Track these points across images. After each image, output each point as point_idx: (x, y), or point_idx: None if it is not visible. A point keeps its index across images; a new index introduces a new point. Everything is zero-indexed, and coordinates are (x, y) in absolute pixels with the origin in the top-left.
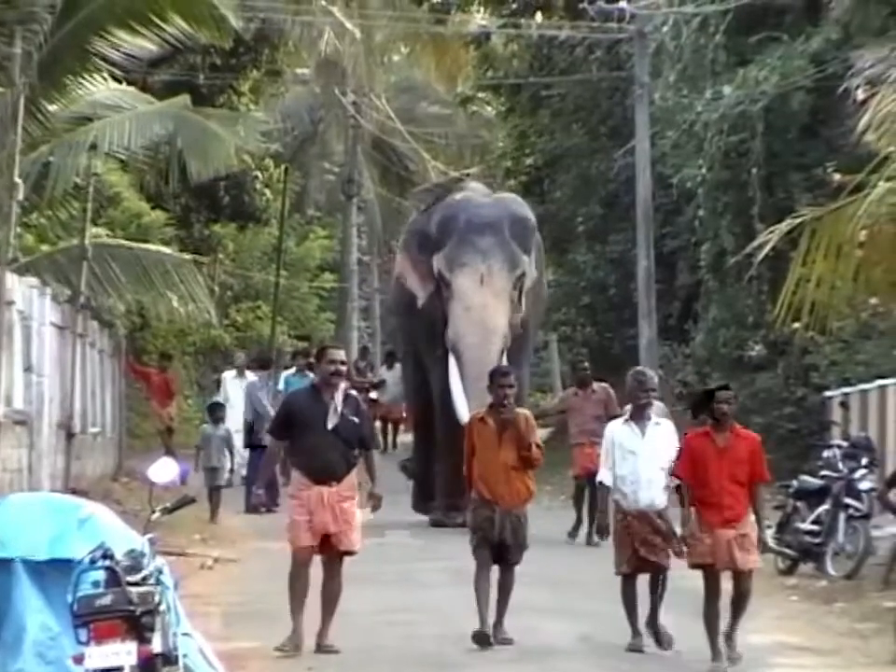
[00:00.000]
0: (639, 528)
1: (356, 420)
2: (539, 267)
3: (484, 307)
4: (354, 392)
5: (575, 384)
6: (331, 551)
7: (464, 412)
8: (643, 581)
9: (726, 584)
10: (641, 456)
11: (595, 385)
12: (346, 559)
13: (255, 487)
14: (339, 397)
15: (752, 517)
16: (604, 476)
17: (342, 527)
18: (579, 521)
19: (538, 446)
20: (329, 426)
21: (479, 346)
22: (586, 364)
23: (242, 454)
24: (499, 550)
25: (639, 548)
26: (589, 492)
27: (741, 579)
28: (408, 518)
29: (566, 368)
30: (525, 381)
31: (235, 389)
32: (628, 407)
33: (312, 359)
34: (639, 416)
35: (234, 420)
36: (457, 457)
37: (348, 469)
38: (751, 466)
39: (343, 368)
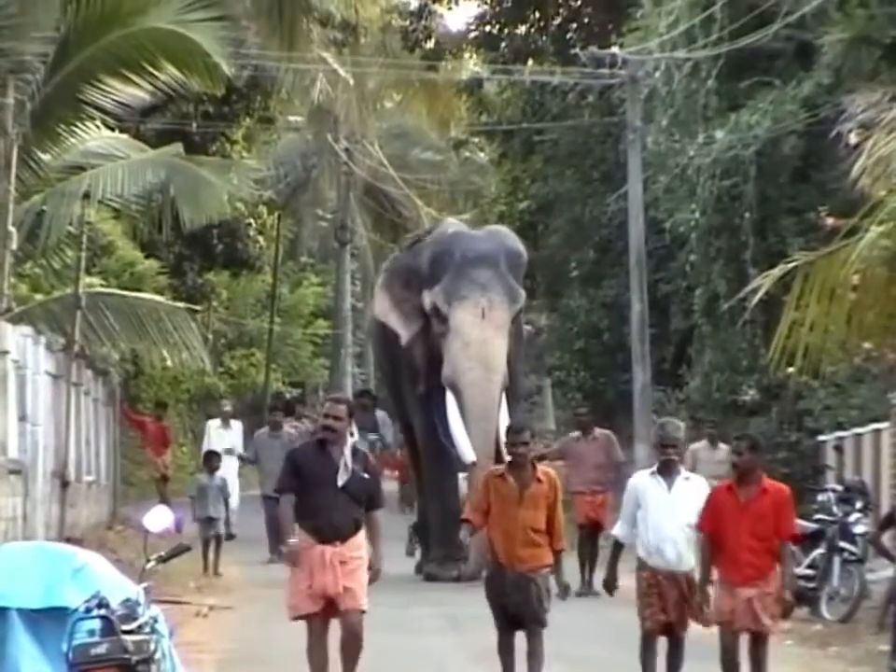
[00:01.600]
0: (667, 590)
1: (365, 476)
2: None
3: (485, 342)
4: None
5: (576, 429)
6: (341, 611)
7: (468, 452)
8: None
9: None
10: (667, 512)
11: (597, 432)
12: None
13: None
14: (348, 452)
15: (778, 577)
16: (619, 531)
17: (341, 588)
18: (585, 573)
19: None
20: (340, 482)
21: (479, 384)
22: (587, 409)
23: (235, 505)
24: (517, 618)
25: (664, 611)
26: (590, 542)
27: (757, 641)
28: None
29: (559, 412)
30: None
31: (219, 439)
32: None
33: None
34: (667, 470)
35: (224, 469)
36: (449, 504)
37: (356, 529)
38: (777, 521)
39: (337, 424)
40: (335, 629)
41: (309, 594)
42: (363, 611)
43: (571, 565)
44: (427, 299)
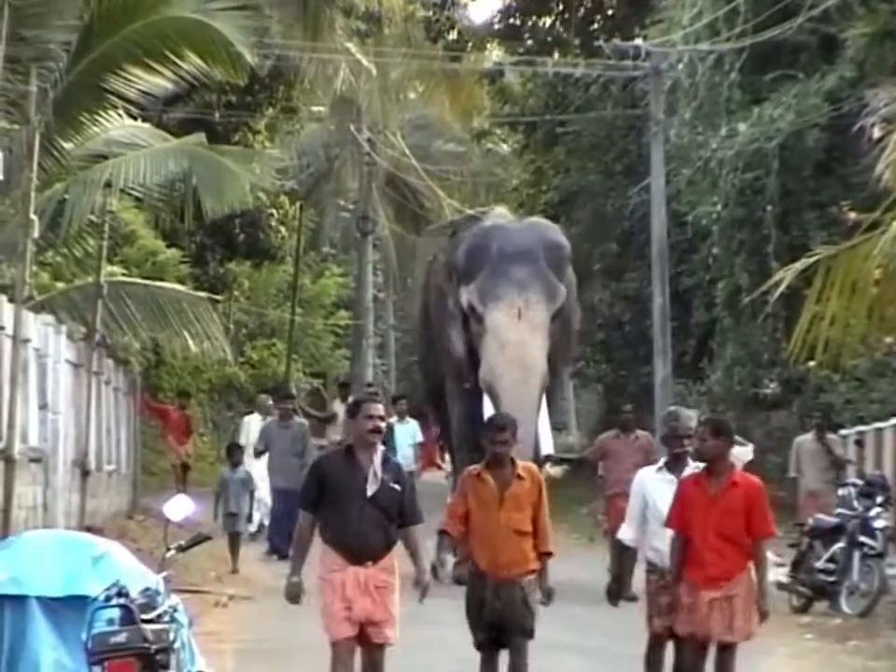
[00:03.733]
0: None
1: (397, 488)
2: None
3: (522, 344)
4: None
5: (617, 427)
6: (368, 642)
7: None
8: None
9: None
10: None
11: (639, 432)
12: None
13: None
14: (377, 460)
15: (751, 577)
16: (626, 534)
17: (381, 616)
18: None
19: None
20: (369, 492)
21: (517, 387)
22: (630, 407)
23: (266, 500)
24: (499, 631)
25: (673, 615)
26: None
27: (721, 655)
28: None
29: (580, 406)
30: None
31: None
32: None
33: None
34: (677, 464)
35: (258, 468)
36: None
37: (388, 547)
38: (749, 519)
39: (383, 424)
40: None
41: (347, 616)
42: (389, 644)
43: (588, 553)
44: (464, 296)
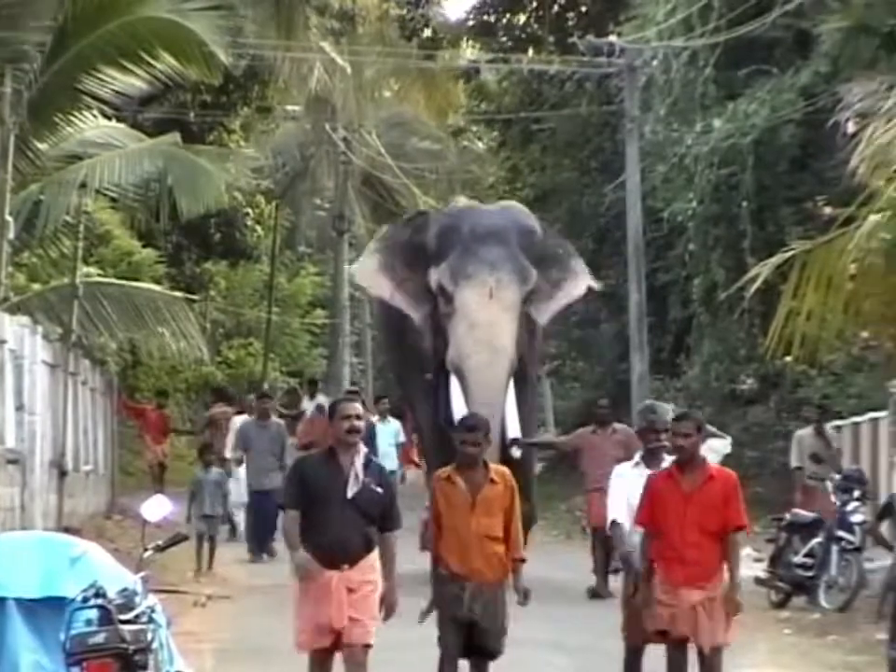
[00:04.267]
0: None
1: (378, 490)
2: (573, 285)
3: (491, 324)
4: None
5: (594, 422)
6: (347, 643)
7: None
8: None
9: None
10: None
11: (616, 425)
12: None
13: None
14: (359, 461)
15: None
16: (618, 513)
17: (346, 620)
18: (602, 577)
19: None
20: (349, 494)
21: (485, 368)
22: (607, 402)
23: (244, 502)
24: (471, 636)
25: (645, 612)
26: (602, 545)
27: (706, 659)
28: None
29: (558, 403)
30: (530, 414)
31: None
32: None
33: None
34: (652, 460)
35: (241, 470)
36: None
37: (366, 550)
38: (726, 512)
39: (360, 423)
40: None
41: (316, 626)
42: (369, 645)
43: (565, 550)
44: (434, 276)
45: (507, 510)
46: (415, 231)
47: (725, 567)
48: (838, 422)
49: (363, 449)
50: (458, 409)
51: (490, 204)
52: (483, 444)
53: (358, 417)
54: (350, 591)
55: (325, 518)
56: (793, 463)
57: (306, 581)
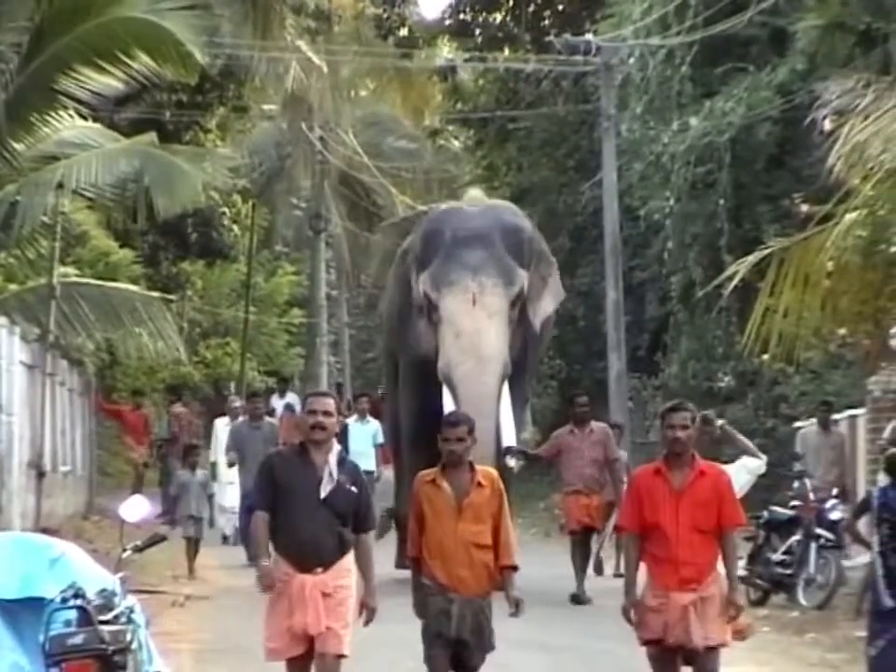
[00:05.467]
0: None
1: (353, 490)
2: (554, 289)
3: (477, 332)
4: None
5: (571, 421)
6: (319, 652)
7: None
8: None
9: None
10: None
11: (594, 425)
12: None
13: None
14: (333, 460)
15: (720, 575)
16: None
17: (325, 625)
18: (581, 580)
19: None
20: (322, 494)
21: (474, 378)
22: (585, 399)
23: (236, 508)
24: (456, 651)
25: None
26: (581, 549)
27: (700, 661)
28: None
29: (535, 401)
30: (521, 414)
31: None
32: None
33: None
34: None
35: (228, 473)
36: None
37: (341, 553)
38: (720, 509)
39: (328, 420)
40: None
41: (290, 634)
42: (343, 656)
43: (545, 549)
44: (420, 285)
45: (495, 515)
46: (412, 235)
47: (719, 565)
48: (812, 420)
49: (336, 447)
50: None
51: (475, 205)
52: (468, 441)
53: (326, 413)
54: (325, 595)
55: (297, 519)
56: (798, 465)
57: (273, 590)
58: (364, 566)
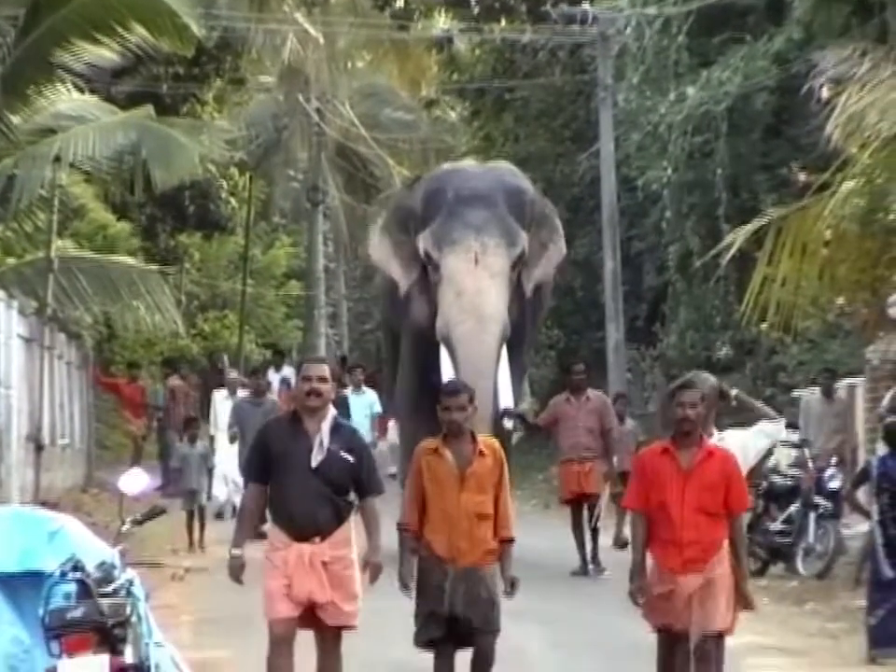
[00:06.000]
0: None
1: (348, 458)
2: (556, 248)
3: (479, 292)
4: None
5: (568, 389)
6: (321, 625)
7: None
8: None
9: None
10: None
11: (591, 393)
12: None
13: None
14: (326, 427)
15: (726, 559)
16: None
17: (330, 596)
18: (584, 558)
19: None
20: (314, 463)
21: (473, 338)
22: (582, 367)
23: (237, 480)
24: (455, 631)
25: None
26: (574, 518)
27: (702, 647)
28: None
29: (533, 371)
30: (519, 385)
31: (226, 411)
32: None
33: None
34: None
35: (226, 447)
36: None
37: (339, 521)
38: (727, 492)
39: (323, 387)
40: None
41: (287, 594)
42: (348, 627)
43: (545, 522)
44: (421, 244)
45: (496, 485)
46: (410, 194)
47: (726, 549)
48: (814, 388)
49: (332, 412)
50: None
51: (477, 166)
52: (468, 409)
53: (322, 379)
54: (324, 565)
55: (289, 489)
56: (801, 434)
57: (273, 555)
58: (370, 527)
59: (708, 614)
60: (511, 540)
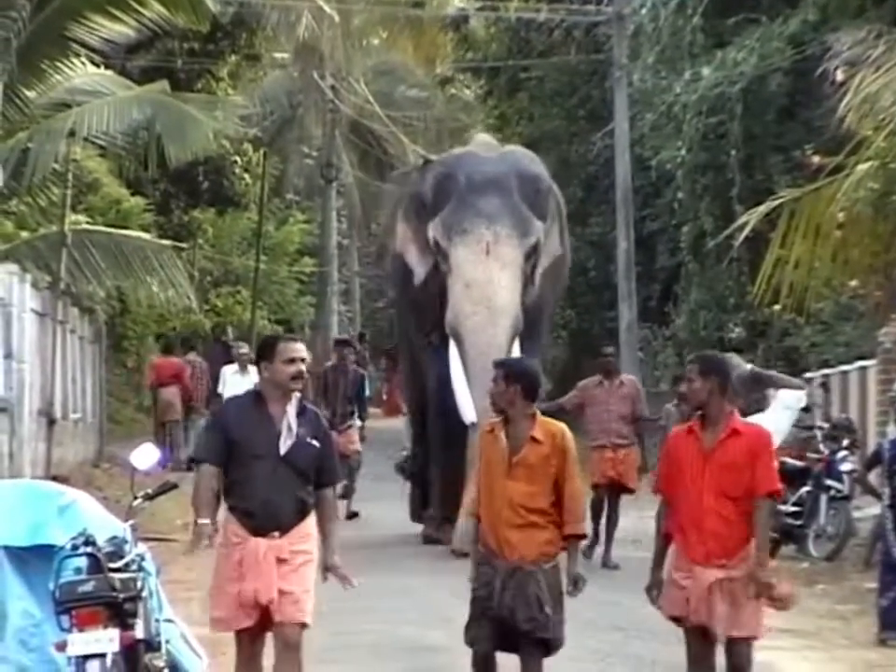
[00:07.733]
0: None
1: (315, 444)
2: (562, 238)
3: (489, 282)
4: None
5: (599, 372)
6: (275, 622)
7: (468, 410)
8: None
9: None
10: None
11: (624, 378)
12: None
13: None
14: (291, 410)
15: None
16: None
17: (275, 593)
18: (596, 537)
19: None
20: (283, 450)
21: (483, 330)
22: (612, 350)
23: None
24: (505, 629)
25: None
26: (609, 505)
27: (731, 648)
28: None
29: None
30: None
31: (235, 387)
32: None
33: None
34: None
35: None
36: (454, 463)
37: (301, 514)
38: (753, 473)
39: (305, 368)
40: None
41: (238, 602)
42: (304, 625)
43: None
44: (430, 231)
45: (556, 476)
46: (420, 180)
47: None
48: (827, 370)
49: (297, 395)
50: (456, 375)
51: (491, 150)
52: (501, 386)
53: (304, 361)
54: (281, 562)
55: (252, 478)
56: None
57: (228, 550)
58: (326, 523)
59: (735, 615)
60: (578, 537)
